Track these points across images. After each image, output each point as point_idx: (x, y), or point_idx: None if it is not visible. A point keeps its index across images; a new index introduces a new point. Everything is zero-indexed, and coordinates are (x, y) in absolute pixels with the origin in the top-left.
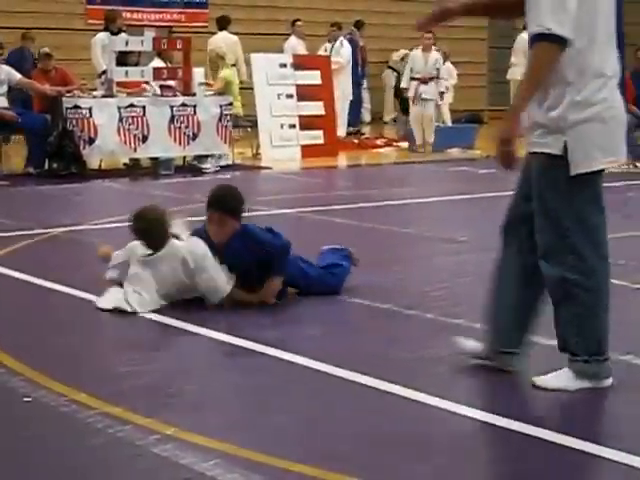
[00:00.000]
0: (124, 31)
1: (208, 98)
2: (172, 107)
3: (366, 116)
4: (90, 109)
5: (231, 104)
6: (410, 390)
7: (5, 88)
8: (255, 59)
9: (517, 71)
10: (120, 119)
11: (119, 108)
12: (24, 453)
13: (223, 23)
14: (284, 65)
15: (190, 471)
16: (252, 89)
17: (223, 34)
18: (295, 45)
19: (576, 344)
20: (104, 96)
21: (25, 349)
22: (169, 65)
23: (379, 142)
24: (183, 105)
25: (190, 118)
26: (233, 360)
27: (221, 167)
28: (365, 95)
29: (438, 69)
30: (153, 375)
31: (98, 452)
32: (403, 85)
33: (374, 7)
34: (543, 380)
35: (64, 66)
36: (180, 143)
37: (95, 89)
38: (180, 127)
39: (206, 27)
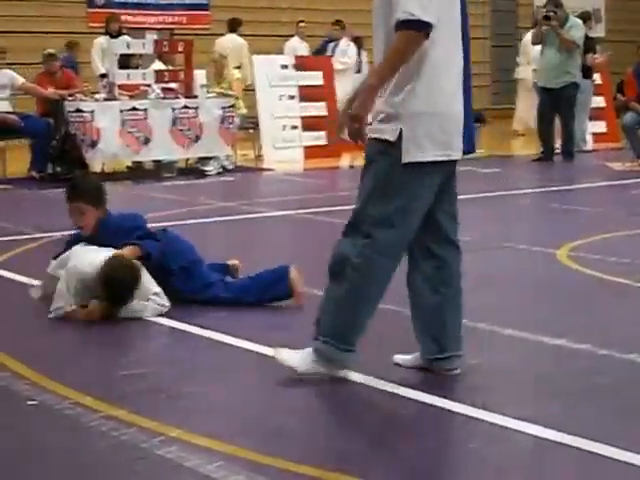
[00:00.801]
0: (125, 34)
1: (210, 100)
2: (174, 109)
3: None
4: (92, 112)
5: (233, 106)
6: (405, 388)
7: (8, 92)
8: (256, 61)
9: (523, 71)
10: (122, 122)
11: (121, 111)
12: (28, 456)
13: (234, 25)
14: (285, 66)
15: (194, 473)
16: (254, 90)
17: (231, 36)
18: (296, 46)
19: (326, 323)
20: (106, 99)
21: (28, 352)
22: (170, 67)
23: None
24: (185, 107)
25: (192, 120)
26: (237, 362)
27: (224, 169)
28: None
29: None
30: (157, 377)
31: (102, 455)
32: None
33: None
34: (279, 352)
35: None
36: (183, 145)
37: (97, 92)
38: (182, 129)
39: (208, 29)
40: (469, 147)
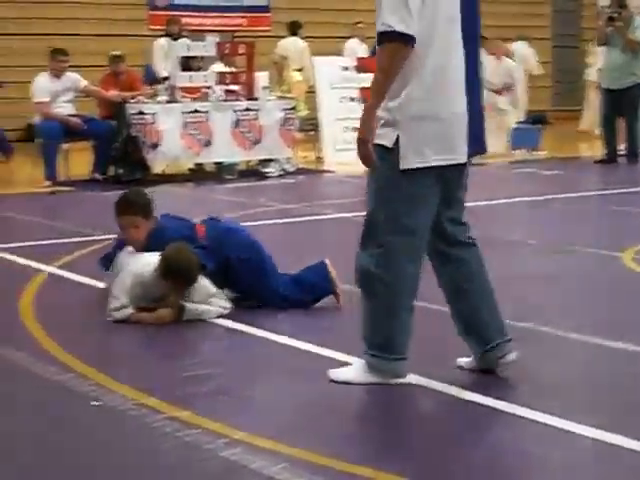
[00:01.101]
0: (185, 36)
1: (271, 102)
2: (235, 111)
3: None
4: (154, 115)
5: (294, 108)
6: (467, 392)
7: (72, 95)
8: (317, 62)
9: (592, 72)
10: (184, 124)
11: (183, 113)
12: (92, 456)
13: (294, 28)
14: (346, 68)
15: (258, 475)
16: (314, 92)
17: (292, 39)
18: (355, 47)
19: (369, 337)
20: (168, 102)
21: (92, 353)
22: (232, 70)
23: None
24: (246, 109)
25: (253, 123)
26: (300, 364)
27: (284, 171)
28: None
29: (512, 77)
30: (220, 379)
31: (167, 456)
32: None
33: None
34: (333, 372)
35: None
36: (244, 147)
37: (156, 95)
38: (244, 132)
39: (269, 31)
40: (478, 147)
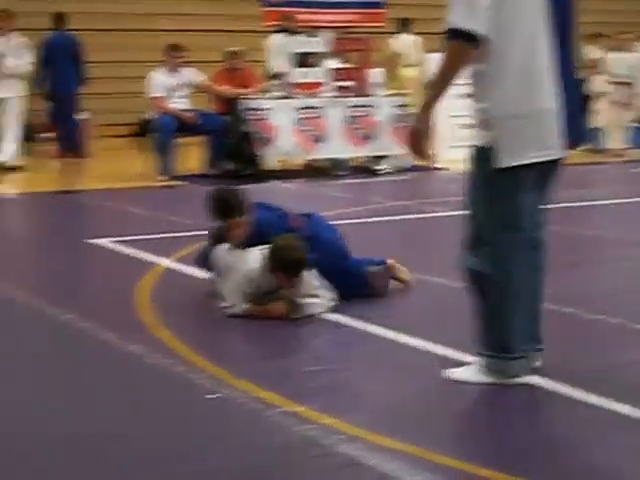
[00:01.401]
0: (300, 32)
1: (385, 99)
2: (349, 108)
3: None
4: (268, 110)
5: (406, 105)
6: (595, 396)
7: (186, 90)
8: (431, 59)
9: None
10: (297, 120)
11: (297, 109)
12: (204, 447)
13: (405, 24)
14: None
15: (375, 472)
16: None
17: (404, 35)
18: None
19: (484, 338)
20: (282, 97)
21: (207, 346)
22: (347, 65)
23: None
24: (360, 106)
25: (366, 119)
26: (411, 360)
27: (396, 168)
28: None
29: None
30: (337, 375)
31: (284, 451)
32: (599, 89)
33: None
34: (451, 372)
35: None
36: (356, 144)
37: (269, 91)
38: (356, 128)
39: (382, 27)
40: (577, 138)
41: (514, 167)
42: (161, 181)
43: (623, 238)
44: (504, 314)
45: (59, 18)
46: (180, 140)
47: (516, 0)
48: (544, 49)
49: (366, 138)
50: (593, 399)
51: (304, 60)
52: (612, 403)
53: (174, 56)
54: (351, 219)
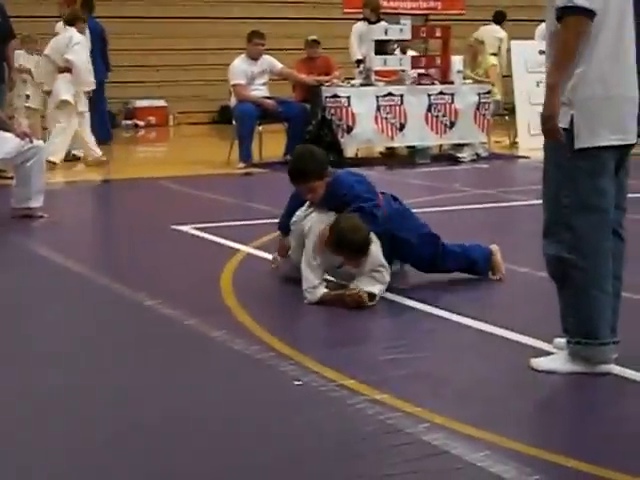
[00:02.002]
0: (382, 19)
1: (466, 86)
2: (430, 95)
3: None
4: (349, 98)
5: (489, 92)
6: None
7: (266, 78)
8: (515, 46)
9: None
10: (378, 108)
11: (377, 97)
12: (298, 437)
13: (499, 18)
14: (543, 52)
15: (460, 461)
16: (511, 77)
17: (493, 27)
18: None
19: (571, 325)
20: (362, 85)
21: (289, 332)
22: (426, 53)
23: None
24: (441, 93)
25: (447, 107)
26: (492, 348)
27: (477, 156)
28: None
29: None
30: (419, 363)
31: (371, 439)
32: None
33: None
34: (537, 362)
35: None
36: (437, 132)
37: (352, 78)
38: (437, 116)
39: (463, 14)
40: None
41: (594, 148)
42: (241, 168)
43: None
44: (590, 298)
45: (87, 3)
46: (260, 127)
47: None
48: (631, 33)
49: (448, 126)
50: None
51: (385, 47)
52: None
53: (256, 43)
54: (434, 207)
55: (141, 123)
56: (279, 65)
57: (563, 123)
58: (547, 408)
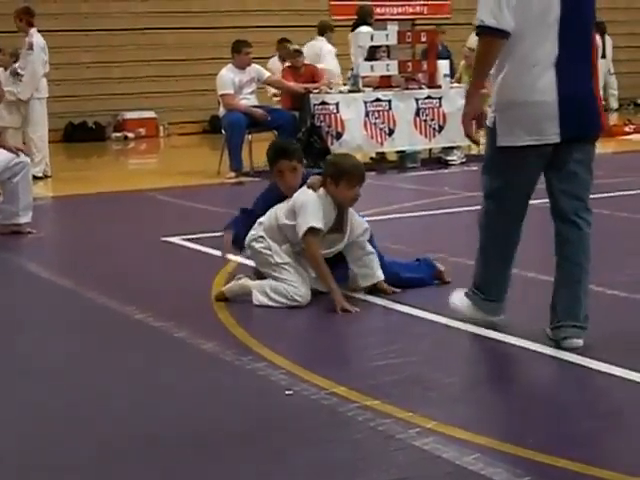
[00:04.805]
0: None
1: (454, 90)
2: (417, 100)
3: (613, 103)
4: (337, 104)
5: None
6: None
7: (255, 86)
8: None
9: None
10: (366, 113)
11: (365, 103)
12: (288, 446)
13: None
14: None
15: (451, 465)
16: None
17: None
18: None
19: (473, 276)
20: (350, 91)
21: (281, 342)
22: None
23: (628, 129)
24: (428, 98)
25: (435, 111)
26: (490, 353)
27: (467, 158)
28: (612, 81)
29: None
30: (410, 368)
31: (361, 445)
32: None
33: None
34: (452, 296)
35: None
36: (426, 136)
37: (345, 84)
38: (426, 120)
39: (449, 19)
40: (588, 130)
41: (512, 147)
42: (232, 178)
43: None
44: (484, 262)
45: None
46: (250, 136)
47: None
48: (548, 45)
49: (436, 130)
50: None
51: (372, 53)
52: None
53: (243, 53)
54: (424, 211)
55: (131, 135)
56: (267, 74)
57: (489, 123)
58: (537, 409)
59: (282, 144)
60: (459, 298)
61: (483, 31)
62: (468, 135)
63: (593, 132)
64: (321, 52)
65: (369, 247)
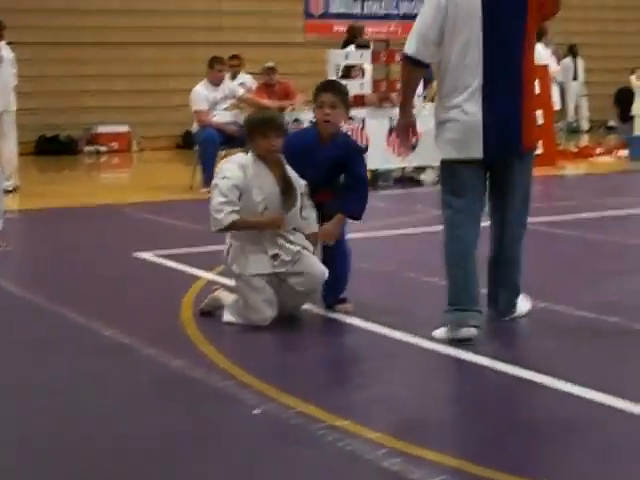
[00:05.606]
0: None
1: (426, 110)
2: (391, 119)
3: (584, 125)
4: (311, 122)
5: None
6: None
7: (229, 103)
8: None
9: None
10: None
11: None
12: (255, 464)
13: None
14: None
15: None
16: None
17: None
18: (540, 51)
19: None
20: None
21: (250, 360)
22: (387, 77)
23: (598, 151)
24: None
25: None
26: (461, 374)
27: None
28: (584, 103)
29: None
30: (380, 388)
31: (328, 466)
32: None
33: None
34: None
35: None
36: (399, 155)
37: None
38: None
39: None
40: (509, 148)
41: (446, 160)
42: (205, 194)
43: None
44: (448, 273)
45: None
46: (223, 152)
47: (453, 31)
48: (472, 72)
49: (409, 149)
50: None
51: (347, 72)
52: None
53: (217, 69)
54: (395, 229)
55: (103, 149)
56: (241, 90)
57: (434, 137)
58: (509, 431)
59: (329, 81)
60: (442, 333)
61: (405, 60)
62: (404, 145)
63: (514, 150)
64: None
65: (307, 201)
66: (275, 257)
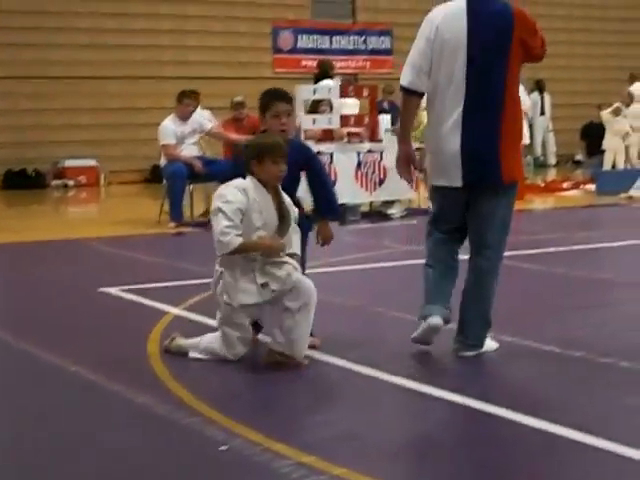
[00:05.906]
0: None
1: (395, 144)
2: (359, 153)
3: (551, 159)
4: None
5: (418, 149)
6: (603, 440)
7: (197, 137)
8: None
9: None
10: None
11: None
12: None
13: None
14: None
15: None
16: None
17: None
18: None
19: None
20: None
21: (218, 396)
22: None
23: (566, 185)
24: (370, 152)
25: (376, 164)
26: (428, 410)
27: (407, 212)
28: (551, 137)
29: None
30: (346, 423)
31: None
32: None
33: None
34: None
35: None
36: (367, 189)
37: None
38: (367, 173)
39: (391, 74)
40: (486, 179)
41: (434, 186)
42: (172, 228)
43: (631, 280)
44: (424, 275)
45: None
46: (191, 187)
47: (438, 67)
48: (454, 104)
49: (377, 183)
50: (602, 443)
51: (315, 106)
52: (612, 444)
53: (185, 104)
54: (362, 264)
55: (71, 183)
56: (209, 125)
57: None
58: (477, 469)
59: (279, 90)
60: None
61: (401, 90)
62: (405, 178)
63: (491, 180)
64: None
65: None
66: (264, 286)
